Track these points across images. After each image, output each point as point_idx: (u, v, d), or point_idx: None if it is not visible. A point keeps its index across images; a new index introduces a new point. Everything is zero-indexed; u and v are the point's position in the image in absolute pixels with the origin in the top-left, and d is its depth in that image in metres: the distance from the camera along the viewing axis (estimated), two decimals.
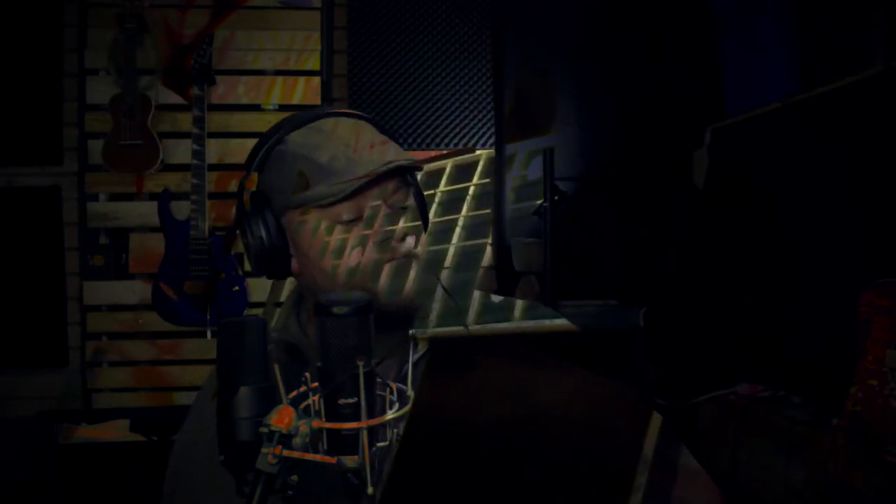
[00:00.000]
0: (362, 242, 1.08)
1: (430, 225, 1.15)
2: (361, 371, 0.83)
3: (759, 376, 2.23)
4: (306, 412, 0.87)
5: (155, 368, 3.14)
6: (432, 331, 1.04)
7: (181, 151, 3.11)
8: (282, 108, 3.19)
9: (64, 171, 3.14)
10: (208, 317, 3.00)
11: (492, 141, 3.20)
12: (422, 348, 1.03)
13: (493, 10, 3.21)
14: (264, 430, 0.83)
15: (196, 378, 3.09)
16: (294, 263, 1.14)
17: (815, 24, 2.39)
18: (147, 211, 3.10)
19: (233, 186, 3.17)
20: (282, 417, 0.83)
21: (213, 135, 3.09)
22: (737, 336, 2.41)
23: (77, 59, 3.12)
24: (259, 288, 3.12)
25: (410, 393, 0.92)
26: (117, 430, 2.89)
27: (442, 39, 3.22)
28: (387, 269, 1.06)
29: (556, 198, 2.62)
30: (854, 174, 1.94)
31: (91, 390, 3.12)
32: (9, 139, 3.08)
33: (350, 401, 0.85)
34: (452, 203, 1.08)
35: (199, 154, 3.00)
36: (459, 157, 1.12)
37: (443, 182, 1.10)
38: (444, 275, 1.09)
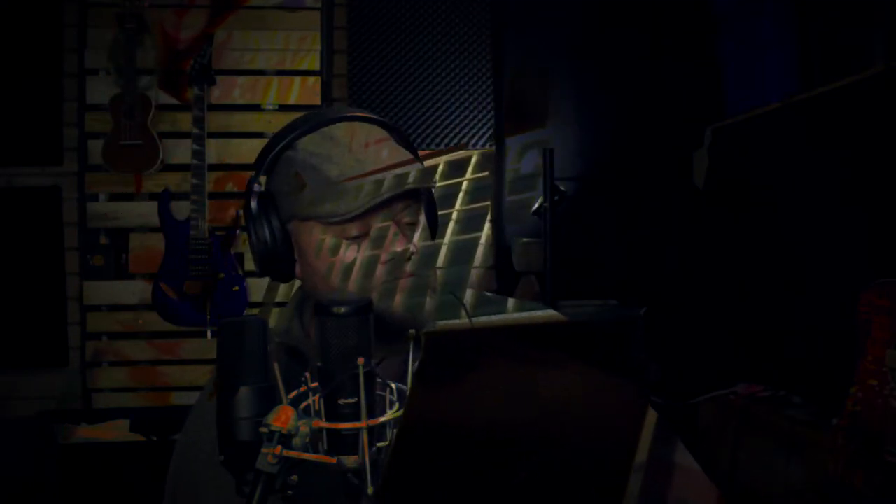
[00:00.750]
0: (371, 263, 1.07)
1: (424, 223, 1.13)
2: (361, 371, 0.83)
3: (759, 376, 2.23)
4: (306, 412, 0.87)
5: (155, 368, 3.14)
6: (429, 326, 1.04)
7: (181, 151, 3.11)
8: (281, 108, 3.20)
9: (64, 171, 3.14)
10: (208, 317, 3.00)
11: (492, 141, 3.20)
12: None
13: (493, 10, 3.22)
14: (264, 430, 0.82)
15: (196, 378, 3.09)
16: (298, 269, 1.14)
17: (815, 24, 2.39)
18: (147, 211, 3.10)
19: (232, 187, 3.17)
20: (282, 417, 0.83)
21: (212, 135, 3.09)
22: (737, 336, 2.41)
23: (77, 59, 3.12)
24: (259, 288, 3.12)
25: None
26: (117, 430, 2.89)
27: (442, 39, 3.22)
28: (402, 287, 1.06)
29: (556, 198, 2.62)
30: (854, 174, 1.94)
31: (91, 390, 3.13)
32: (9, 139, 3.08)
33: (350, 401, 0.85)
34: (446, 199, 1.08)
35: (199, 154, 3.00)
36: (453, 155, 1.13)
37: (436, 178, 1.10)
38: (441, 271, 1.09)
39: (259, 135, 3.18)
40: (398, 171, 1.08)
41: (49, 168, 3.13)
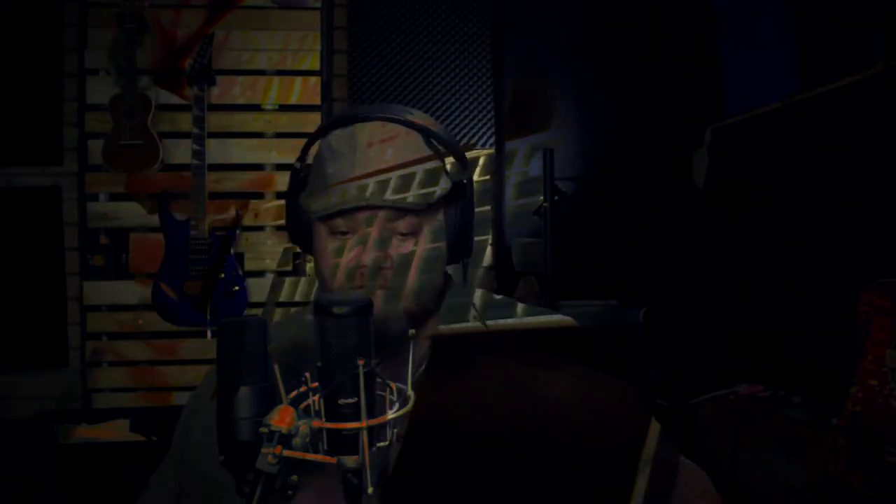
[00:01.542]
0: (354, 265, 1.07)
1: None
2: (361, 371, 0.83)
3: (759, 376, 2.23)
4: (306, 412, 0.87)
5: (155, 368, 3.14)
6: (433, 329, 1.04)
7: (181, 151, 3.11)
8: (281, 108, 3.20)
9: (64, 171, 3.14)
10: (208, 317, 3.00)
11: (492, 140, 3.20)
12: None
13: (493, 10, 3.22)
14: (264, 430, 0.82)
15: (196, 378, 3.08)
16: (313, 265, 1.15)
17: (815, 24, 2.39)
18: (147, 211, 3.10)
19: (231, 186, 3.17)
20: (282, 417, 0.83)
21: (212, 135, 3.09)
22: (737, 336, 2.41)
23: (77, 59, 3.12)
24: (259, 288, 3.12)
25: (410, 393, 0.92)
26: (117, 430, 2.88)
27: (442, 39, 3.22)
28: (379, 296, 1.05)
29: (556, 198, 2.62)
30: (854, 174, 1.94)
31: (91, 390, 3.12)
32: (9, 139, 3.08)
33: (350, 401, 0.85)
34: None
35: (199, 154, 3.00)
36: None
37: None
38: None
39: (259, 135, 3.18)
40: (383, 176, 1.07)
41: (49, 168, 3.13)
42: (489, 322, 1.10)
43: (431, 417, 0.82)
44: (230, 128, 3.17)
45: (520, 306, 1.19)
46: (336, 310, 0.85)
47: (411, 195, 1.07)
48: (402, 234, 1.08)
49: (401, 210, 1.06)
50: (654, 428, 0.88)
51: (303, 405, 0.88)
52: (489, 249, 3.08)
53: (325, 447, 0.86)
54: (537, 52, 3.12)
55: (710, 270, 2.55)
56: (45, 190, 3.12)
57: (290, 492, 0.85)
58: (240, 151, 3.17)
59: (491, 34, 3.22)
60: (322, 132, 1.13)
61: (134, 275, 3.13)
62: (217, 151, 3.13)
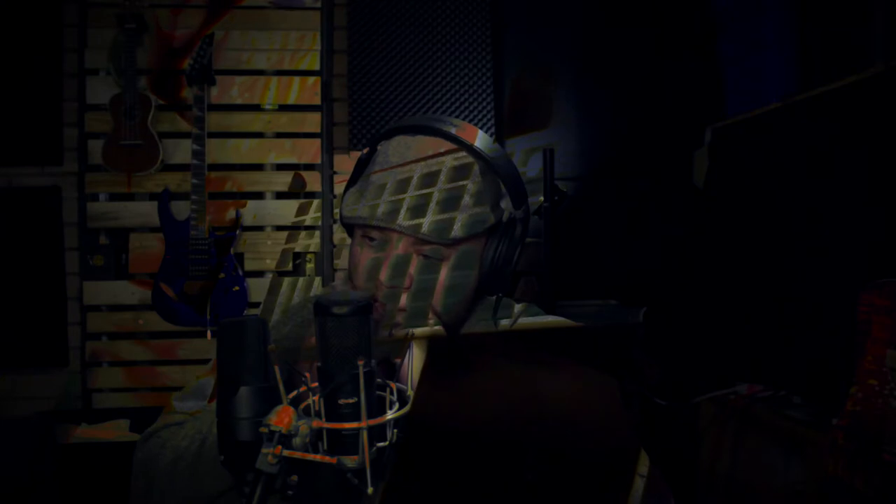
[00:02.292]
0: (374, 270, 1.07)
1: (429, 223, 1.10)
2: (361, 371, 0.83)
3: (759, 376, 2.23)
4: (306, 412, 0.87)
5: (155, 368, 3.14)
6: (430, 329, 1.04)
7: (181, 151, 3.11)
8: (281, 108, 3.20)
9: (64, 171, 3.14)
10: (208, 317, 3.00)
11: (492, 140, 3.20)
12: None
13: (493, 10, 3.22)
14: (264, 430, 0.82)
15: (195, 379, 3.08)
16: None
17: (815, 24, 2.39)
18: (147, 211, 3.10)
19: (231, 186, 3.17)
20: (282, 417, 0.83)
21: (212, 134, 3.09)
22: (737, 336, 2.41)
23: (77, 59, 3.12)
24: (259, 288, 3.12)
25: (410, 393, 0.92)
26: (117, 430, 2.89)
27: (442, 39, 3.22)
28: (399, 319, 1.05)
29: (556, 198, 2.62)
30: (854, 174, 1.94)
31: (91, 390, 3.13)
32: (9, 139, 3.08)
33: (350, 401, 0.85)
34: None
35: (199, 154, 3.00)
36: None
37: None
38: (445, 273, 1.08)
39: (259, 135, 3.19)
40: (419, 197, 1.05)
41: (49, 168, 3.13)
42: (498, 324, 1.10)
43: (428, 416, 0.82)
44: (230, 128, 3.17)
45: (516, 307, 1.19)
46: (336, 310, 0.85)
47: (434, 226, 1.03)
48: (428, 257, 1.07)
49: (422, 241, 1.05)
50: (644, 460, 0.88)
51: (303, 405, 0.88)
52: None
53: (325, 447, 0.86)
54: (537, 51, 3.12)
55: (710, 270, 2.55)
56: (45, 190, 3.12)
57: (290, 492, 0.85)
58: (240, 151, 3.17)
59: (491, 34, 3.22)
60: (389, 134, 1.12)
61: (134, 275, 3.13)
62: (217, 151, 3.13)
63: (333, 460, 0.84)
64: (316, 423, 0.84)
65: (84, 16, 3.13)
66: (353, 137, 3.16)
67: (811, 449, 1.83)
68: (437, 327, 1.05)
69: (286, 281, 3.15)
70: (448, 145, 1.09)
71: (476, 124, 3.22)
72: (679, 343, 2.43)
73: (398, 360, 1.07)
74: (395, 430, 0.88)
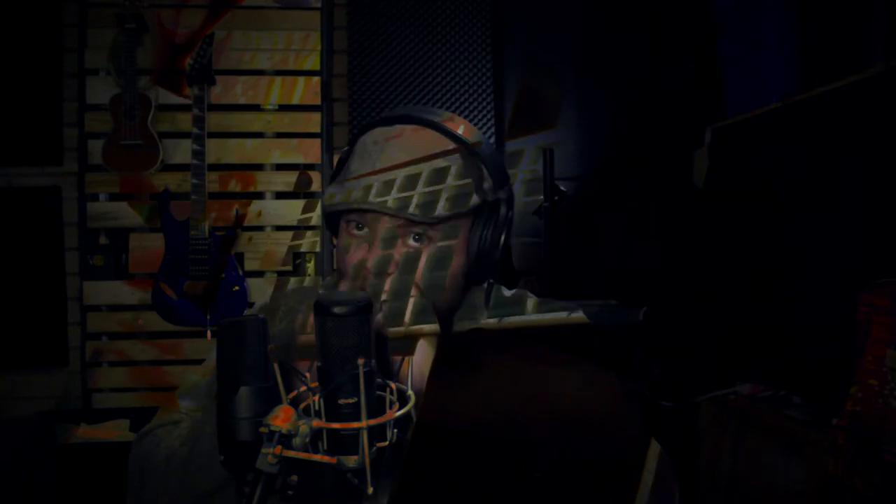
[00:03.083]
0: (358, 263, 1.07)
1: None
2: (361, 371, 0.83)
3: (759, 376, 2.23)
4: (306, 412, 0.87)
5: (155, 368, 3.14)
6: (434, 327, 1.03)
7: (181, 151, 3.11)
8: (281, 107, 3.20)
9: (64, 171, 3.14)
10: (208, 317, 3.00)
11: (492, 140, 3.20)
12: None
13: (493, 10, 3.22)
14: (264, 430, 0.82)
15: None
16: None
17: (815, 24, 2.39)
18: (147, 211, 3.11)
19: (231, 186, 3.17)
20: (282, 417, 0.83)
21: (212, 134, 3.10)
22: (737, 336, 2.40)
23: (77, 59, 3.12)
24: (259, 288, 3.12)
25: (410, 393, 0.92)
26: (117, 430, 2.89)
27: (442, 39, 3.22)
28: (381, 297, 1.04)
29: (556, 198, 2.62)
30: (854, 174, 1.94)
31: (91, 390, 3.13)
32: (9, 139, 3.08)
33: (350, 401, 0.85)
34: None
35: (199, 154, 3.00)
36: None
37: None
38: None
39: (259, 135, 3.18)
40: (393, 177, 1.05)
41: (49, 168, 3.13)
42: (502, 320, 1.09)
43: (435, 415, 0.82)
44: (230, 128, 3.17)
45: (530, 302, 1.17)
46: (336, 310, 0.85)
47: (414, 205, 1.04)
48: (416, 238, 1.06)
49: (402, 219, 1.05)
50: (654, 449, 0.87)
51: (303, 405, 0.88)
52: None
53: (325, 447, 0.86)
54: (537, 51, 3.12)
55: (711, 270, 2.55)
56: (45, 190, 3.12)
57: (290, 492, 0.85)
58: (240, 151, 3.17)
59: (491, 34, 3.22)
60: (365, 129, 1.12)
61: (134, 275, 3.13)
62: (217, 151, 3.13)
63: (333, 460, 0.84)
64: (316, 423, 0.84)
65: (84, 16, 3.13)
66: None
67: (811, 449, 1.83)
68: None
69: (289, 280, 3.16)
70: (428, 132, 1.09)
71: (476, 124, 3.22)
72: (679, 343, 2.43)
73: (396, 358, 1.07)
74: (395, 430, 0.88)
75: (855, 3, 2.17)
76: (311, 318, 0.87)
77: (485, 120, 3.21)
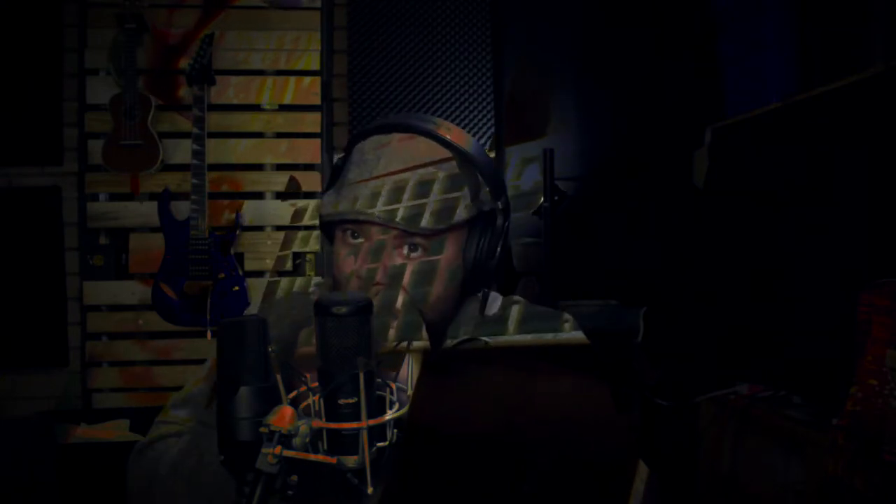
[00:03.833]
0: (350, 273, 1.07)
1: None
2: (361, 371, 0.83)
3: (759, 376, 2.23)
4: (306, 412, 0.87)
5: (155, 368, 3.14)
6: (426, 342, 1.03)
7: (181, 151, 3.11)
8: (281, 108, 3.20)
9: (64, 171, 3.14)
10: (208, 317, 3.00)
11: (492, 141, 3.20)
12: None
13: (493, 10, 3.22)
14: (264, 430, 0.82)
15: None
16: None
17: (815, 24, 2.39)
18: (147, 211, 3.10)
19: (231, 186, 3.17)
20: (282, 417, 0.83)
21: (212, 134, 3.09)
22: (737, 336, 2.40)
23: (77, 59, 3.12)
24: (259, 288, 3.12)
25: (410, 393, 0.92)
26: (117, 430, 2.89)
27: (442, 39, 3.22)
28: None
29: (556, 198, 2.62)
30: (854, 174, 1.94)
31: (91, 390, 3.13)
32: (9, 139, 3.08)
33: (350, 401, 0.85)
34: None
35: (198, 154, 3.00)
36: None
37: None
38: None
39: (259, 135, 3.18)
40: (391, 186, 1.05)
41: (49, 168, 3.13)
42: (491, 339, 1.08)
43: (424, 426, 0.82)
44: (230, 128, 3.17)
45: (514, 307, 1.17)
46: (336, 310, 0.85)
47: (410, 215, 1.03)
48: (412, 248, 1.06)
49: (398, 230, 1.04)
50: (642, 471, 0.87)
51: (303, 405, 0.88)
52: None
53: (325, 447, 0.86)
54: (537, 52, 3.12)
55: (711, 270, 2.55)
56: (45, 190, 3.12)
57: (290, 492, 0.85)
58: (239, 151, 3.17)
59: (491, 34, 3.22)
60: (361, 135, 1.11)
61: (134, 275, 3.13)
62: (217, 151, 3.13)
63: (333, 460, 0.84)
64: (316, 423, 0.84)
65: (84, 16, 3.13)
66: None
67: (811, 449, 1.82)
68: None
69: (283, 280, 3.16)
70: (424, 141, 1.08)
71: (476, 125, 3.22)
72: (679, 343, 2.43)
73: (393, 372, 1.07)
74: (395, 431, 0.88)
75: (855, 3, 2.17)
76: (302, 333, 0.87)
77: (484, 120, 3.21)
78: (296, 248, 3.19)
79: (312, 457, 0.83)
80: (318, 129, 3.21)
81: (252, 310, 1.22)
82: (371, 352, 0.86)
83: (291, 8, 3.21)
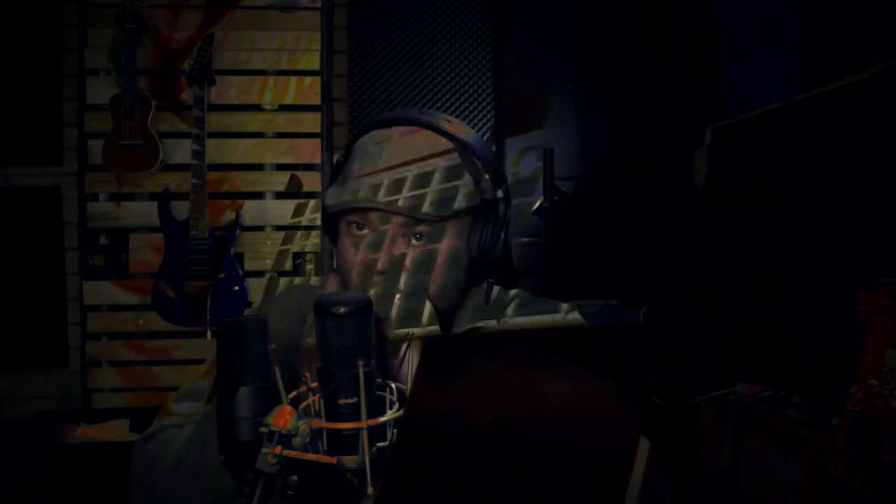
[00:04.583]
0: (353, 263, 1.07)
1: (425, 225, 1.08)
2: (361, 371, 0.83)
3: (759, 376, 2.23)
4: (306, 412, 0.87)
5: (155, 368, 3.14)
6: (427, 329, 1.03)
7: (181, 151, 3.11)
8: (281, 107, 3.20)
9: (64, 171, 3.14)
10: (208, 317, 3.00)
11: (492, 141, 3.20)
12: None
13: (493, 10, 3.22)
14: (264, 430, 0.82)
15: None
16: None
17: (815, 24, 2.39)
18: (147, 211, 3.10)
19: (231, 186, 3.17)
20: (282, 417, 0.83)
21: (212, 135, 3.09)
22: (737, 336, 2.40)
23: (77, 59, 3.12)
24: (259, 288, 3.12)
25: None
26: (117, 430, 2.89)
27: (442, 39, 3.22)
28: (371, 296, 1.03)
29: (556, 198, 2.62)
30: (854, 174, 1.94)
31: (91, 390, 3.13)
32: (9, 139, 3.08)
33: (350, 401, 0.85)
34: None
35: (198, 154, 3.00)
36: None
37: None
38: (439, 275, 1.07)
39: (259, 135, 3.18)
40: (395, 176, 1.06)
41: (49, 168, 3.13)
42: (498, 323, 1.09)
43: (422, 418, 0.82)
44: (230, 128, 3.17)
45: (511, 297, 1.17)
46: (336, 310, 0.85)
47: (417, 203, 1.04)
48: (418, 237, 1.06)
49: (405, 217, 1.05)
50: (644, 447, 0.87)
51: (303, 405, 0.88)
52: None
53: (325, 447, 0.86)
54: (537, 51, 3.12)
55: (711, 270, 2.55)
56: (45, 190, 3.12)
57: (290, 492, 0.85)
58: (239, 151, 3.17)
59: (491, 34, 3.22)
60: (362, 131, 1.12)
61: (134, 275, 3.13)
62: (217, 151, 3.13)
63: (333, 460, 0.84)
64: (316, 423, 0.84)
65: (84, 16, 3.12)
66: None
67: (811, 449, 1.83)
68: (434, 328, 1.05)
69: (282, 280, 3.15)
70: (425, 133, 1.09)
71: (476, 124, 3.22)
72: (679, 343, 2.43)
73: (394, 362, 1.07)
74: (395, 430, 0.88)
75: (855, 3, 2.16)
76: (308, 320, 0.87)
77: (484, 120, 3.21)
78: (296, 248, 3.19)
79: (312, 457, 0.83)
80: (318, 129, 3.21)
81: (255, 305, 1.22)
82: (371, 352, 0.86)
83: (291, 8, 3.21)
